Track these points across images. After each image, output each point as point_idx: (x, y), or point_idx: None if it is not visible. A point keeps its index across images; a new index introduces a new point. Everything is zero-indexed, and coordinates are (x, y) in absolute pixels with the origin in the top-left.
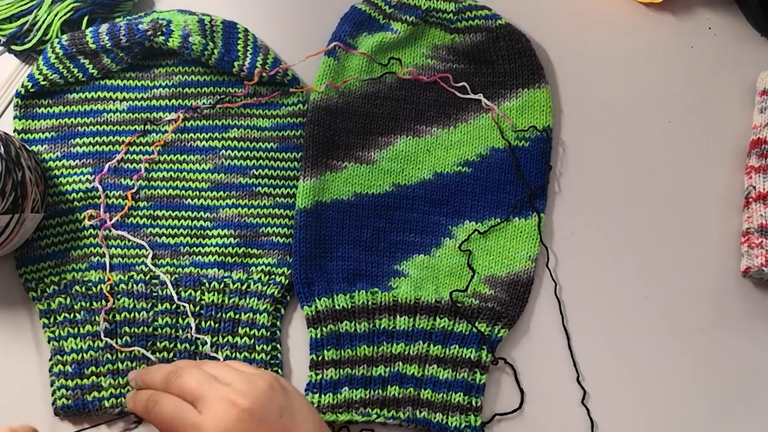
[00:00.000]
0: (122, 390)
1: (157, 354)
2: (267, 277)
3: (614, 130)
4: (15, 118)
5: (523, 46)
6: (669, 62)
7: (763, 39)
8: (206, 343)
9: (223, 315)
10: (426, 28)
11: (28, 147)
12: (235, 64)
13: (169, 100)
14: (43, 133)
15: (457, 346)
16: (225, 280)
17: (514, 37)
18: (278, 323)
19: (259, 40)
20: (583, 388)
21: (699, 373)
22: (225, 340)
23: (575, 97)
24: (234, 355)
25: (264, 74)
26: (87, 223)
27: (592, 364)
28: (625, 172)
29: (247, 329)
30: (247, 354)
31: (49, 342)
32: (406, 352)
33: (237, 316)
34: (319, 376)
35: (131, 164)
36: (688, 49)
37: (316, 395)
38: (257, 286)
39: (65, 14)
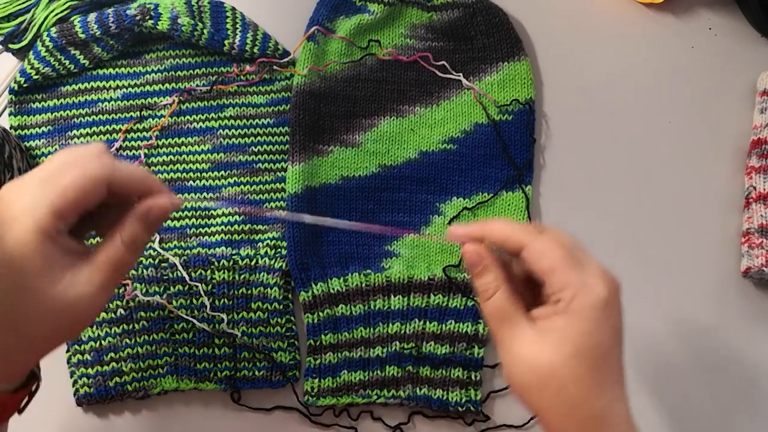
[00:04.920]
0: (144, 373)
1: (176, 336)
2: (273, 251)
3: (614, 129)
4: (10, 114)
5: (500, 20)
6: (669, 62)
7: (764, 39)
8: (223, 320)
9: (235, 292)
10: (403, 8)
11: (25, 143)
12: (226, 42)
13: (163, 85)
14: (39, 128)
15: (453, 322)
16: (233, 257)
17: (491, 12)
18: (290, 296)
19: (246, 17)
20: None
21: (699, 373)
22: (240, 315)
23: (576, 97)
24: (250, 329)
25: (256, 51)
26: None
27: None
28: (625, 172)
29: (260, 303)
30: (262, 328)
31: None
32: (403, 331)
33: (248, 292)
34: (318, 361)
35: (130, 151)
36: (688, 50)
37: (315, 380)
38: (265, 261)
39: (61, 12)
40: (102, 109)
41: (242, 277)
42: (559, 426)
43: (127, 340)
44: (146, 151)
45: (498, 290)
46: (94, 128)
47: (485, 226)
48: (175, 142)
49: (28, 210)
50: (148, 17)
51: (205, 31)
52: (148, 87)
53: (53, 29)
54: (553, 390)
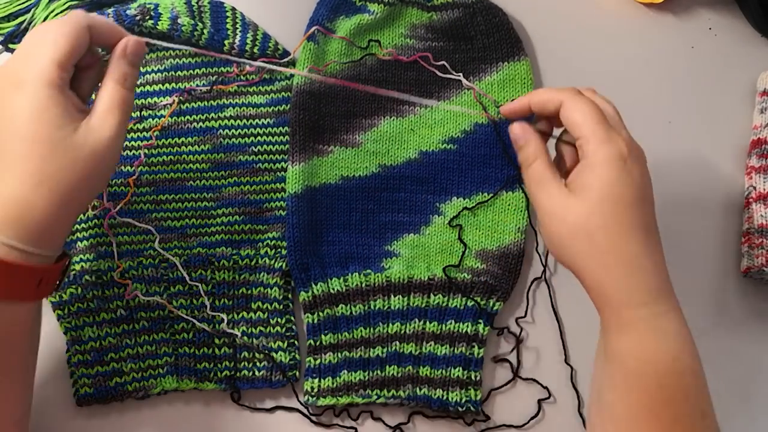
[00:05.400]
0: (144, 373)
1: (177, 336)
2: (273, 251)
3: None
4: None
5: (500, 20)
6: (669, 62)
7: (764, 39)
8: (223, 320)
9: (236, 292)
10: (403, 8)
11: None
12: (226, 42)
13: (163, 85)
14: None
15: (453, 322)
16: (234, 257)
17: (491, 12)
18: (290, 296)
19: (246, 18)
20: (577, 390)
21: None
22: (240, 315)
23: None
24: (250, 329)
25: (256, 51)
26: (91, 213)
27: (591, 365)
28: None
29: (260, 303)
30: (262, 328)
31: (66, 333)
32: (403, 331)
33: (249, 292)
34: (318, 361)
35: (130, 151)
36: (688, 50)
37: (316, 380)
38: (265, 261)
39: (61, 12)
40: None
41: (242, 277)
42: (592, 274)
43: (128, 340)
44: (146, 151)
45: (536, 159)
46: None
47: (531, 95)
48: (175, 142)
49: (34, 70)
50: (148, 17)
51: (205, 31)
52: (148, 87)
53: None
54: (583, 238)
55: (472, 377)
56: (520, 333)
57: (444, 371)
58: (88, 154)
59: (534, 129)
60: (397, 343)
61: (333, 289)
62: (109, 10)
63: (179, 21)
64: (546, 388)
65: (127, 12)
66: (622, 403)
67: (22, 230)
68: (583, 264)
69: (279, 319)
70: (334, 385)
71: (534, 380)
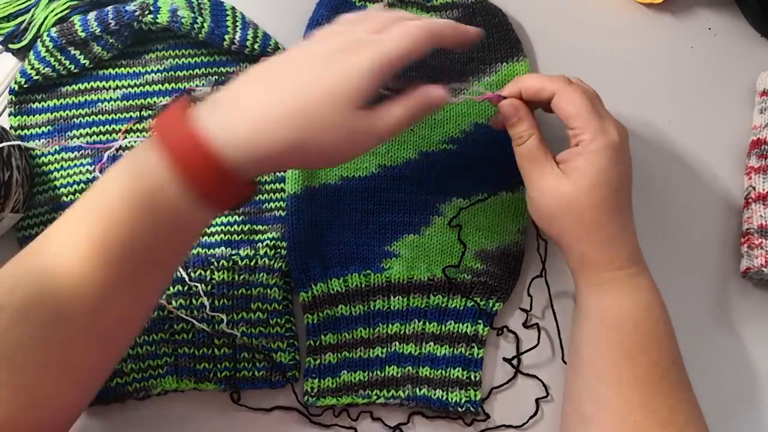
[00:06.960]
0: (144, 374)
1: (176, 336)
2: (273, 251)
3: None
4: (10, 115)
5: (499, 20)
6: (669, 63)
7: (763, 39)
8: (222, 320)
9: (235, 292)
10: (402, 8)
11: (24, 143)
12: (226, 38)
13: (163, 85)
14: (39, 128)
15: (452, 322)
16: (233, 257)
17: (490, 12)
18: (289, 296)
19: (246, 17)
20: None
21: (698, 374)
22: (239, 316)
23: None
24: (249, 330)
25: (257, 47)
26: None
27: None
28: None
29: (260, 304)
30: (262, 328)
31: None
32: (403, 332)
33: (248, 292)
34: (318, 361)
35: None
36: (687, 50)
37: (315, 380)
38: (264, 261)
39: (61, 12)
40: (102, 109)
41: (242, 277)
42: (579, 246)
43: None
44: None
45: (531, 137)
46: (94, 128)
47: (520, 81)
48: None
49: (375, 55)
50: (147, 12)
51: (205, 25)
52: (147, 87)
53: (53, 29)
54: (574, 215)
55: (472, 378)
56: (527, 318)
57: (444, 371)
58: (353, 142)
59: (525, 106)
60: (397, 343)
61: (333, 289)
62: (109, 8)
63: (179, 13)
64: (545, 386)
65: (127, 8)
66: (603, 357)
67: (256, 156)
68: (570, 237)
69: (279, 320)
70: (334, 385)
71: (535, 377)
